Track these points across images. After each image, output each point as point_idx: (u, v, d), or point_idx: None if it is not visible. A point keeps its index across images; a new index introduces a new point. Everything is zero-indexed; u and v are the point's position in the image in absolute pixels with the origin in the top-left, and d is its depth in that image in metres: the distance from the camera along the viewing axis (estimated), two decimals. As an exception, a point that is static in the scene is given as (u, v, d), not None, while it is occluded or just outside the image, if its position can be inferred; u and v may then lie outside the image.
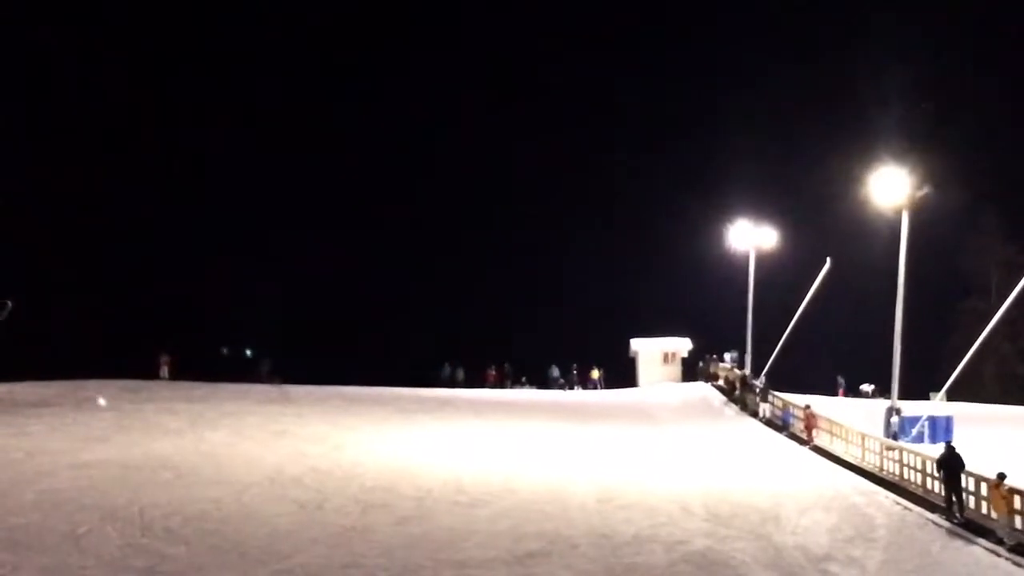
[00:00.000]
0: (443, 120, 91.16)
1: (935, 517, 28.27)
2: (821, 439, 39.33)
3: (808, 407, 41.49)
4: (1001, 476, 26.32)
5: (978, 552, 25.02)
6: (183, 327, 68.43)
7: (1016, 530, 25.51)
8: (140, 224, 76.78)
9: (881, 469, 33.89)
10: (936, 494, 29.44)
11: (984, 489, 27.33)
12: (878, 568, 23.46)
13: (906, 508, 29.48)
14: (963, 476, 28.09)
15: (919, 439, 37.53)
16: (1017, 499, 25.77)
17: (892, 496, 30.85)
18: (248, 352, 57.14)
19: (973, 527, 26.90)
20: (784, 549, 24.53)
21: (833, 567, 23.21)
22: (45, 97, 76.61)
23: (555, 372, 61.46)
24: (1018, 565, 23.90)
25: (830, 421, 39.56)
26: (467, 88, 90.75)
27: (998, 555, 24.56)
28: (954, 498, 27.97)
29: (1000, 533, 25.73)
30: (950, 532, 26.88)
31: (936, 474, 29.46)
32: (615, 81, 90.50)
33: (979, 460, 28.05)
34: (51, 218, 70.45)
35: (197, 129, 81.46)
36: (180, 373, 50.58)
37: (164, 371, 50.19)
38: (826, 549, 24.64)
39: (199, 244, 79.14)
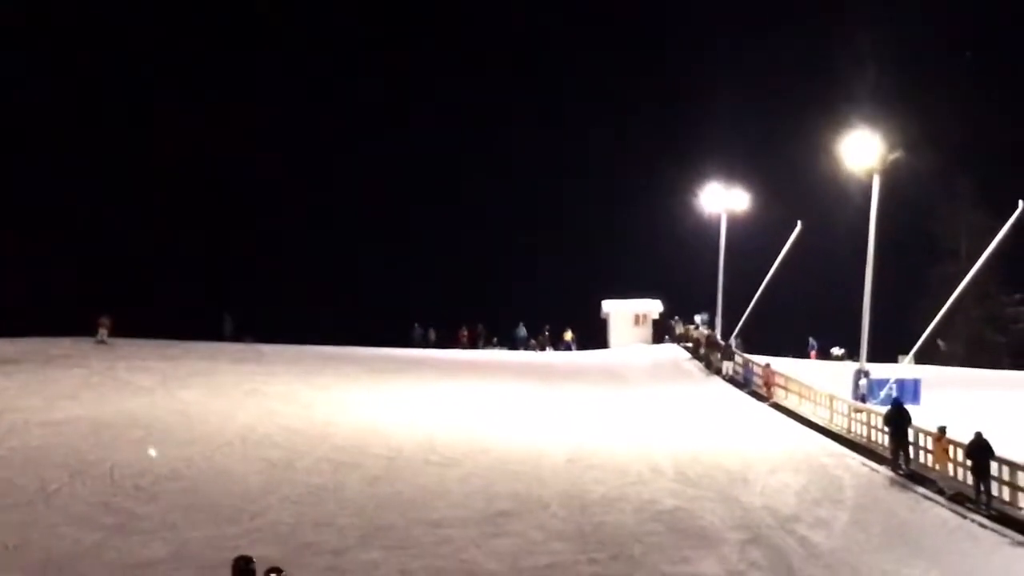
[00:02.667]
0: (422, 83, 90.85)
1: (882, 468, 29.53)
2: (790, 400, 39.71)
3: (768, 365, 42.78)
4: (942, 429, 27.50)
5: (945, 514, 25.29)
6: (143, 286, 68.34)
7: (954, 479, 26.70)
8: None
9: (849, 431, 34.19)
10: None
11: (926, 441, 28.58)
12: (845, 529, 23.69)
13: (873, 470, 29.81)
14: (909, 430, 29.41)
15: (887, 401, 37.73)
16: (953, 450, 26.94)
17: (860, 458, 31.18)
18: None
19: (917, 478, 28.29)
20: (752, 510, 24.74)
21: (800, 528, 23.42)
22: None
23: (522, 331, 61.24)
24: (983, 527, 24.17)
25: (799, 383, 39.87)
26: (449, 55, 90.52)
27: (964, 516, 24.85)
28: (900, 452, 29.28)
29: (940, 484, 27.02)
30: (899, 485, 28.02)
31: (884, 428, 30.57)
32: (589, 45, 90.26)
33: (947, 423, 28.26)
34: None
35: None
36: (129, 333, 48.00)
37: (102, 333, 46.84)
38: (794, 510, 24.88)
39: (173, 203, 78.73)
